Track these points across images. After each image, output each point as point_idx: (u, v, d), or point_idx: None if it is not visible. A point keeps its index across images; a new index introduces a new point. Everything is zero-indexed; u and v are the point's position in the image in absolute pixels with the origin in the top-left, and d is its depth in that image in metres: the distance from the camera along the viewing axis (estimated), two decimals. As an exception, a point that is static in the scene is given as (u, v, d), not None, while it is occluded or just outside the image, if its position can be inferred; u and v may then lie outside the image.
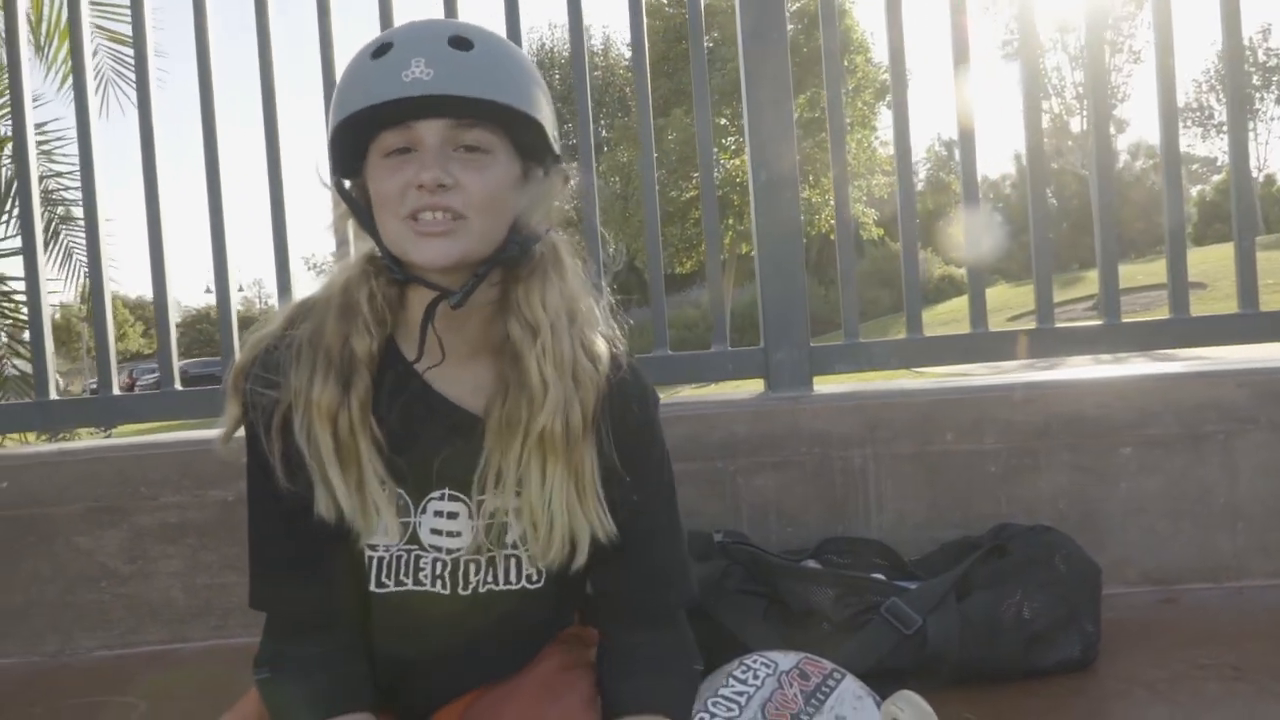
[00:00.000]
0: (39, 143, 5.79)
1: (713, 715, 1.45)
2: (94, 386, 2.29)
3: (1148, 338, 2.30)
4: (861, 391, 2.20)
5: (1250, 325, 2.27)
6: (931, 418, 2.11)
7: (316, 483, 1.16)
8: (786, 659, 1.52)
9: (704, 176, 2.35)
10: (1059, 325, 2.28)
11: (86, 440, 3.41)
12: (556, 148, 1.21)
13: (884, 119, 19.27)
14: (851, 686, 1.47)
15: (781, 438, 2.11)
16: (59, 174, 6.27)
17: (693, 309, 22.02)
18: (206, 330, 38.93)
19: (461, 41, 1.10)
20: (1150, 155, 43.48)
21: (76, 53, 2.30)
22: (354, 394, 1.16)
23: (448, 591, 1.24)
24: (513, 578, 1.25)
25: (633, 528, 1.24)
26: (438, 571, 1.23)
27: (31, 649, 2.12)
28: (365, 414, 1.16)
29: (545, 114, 1.17)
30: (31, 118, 2.32)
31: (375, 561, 1.23)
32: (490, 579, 1.24)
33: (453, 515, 1.23)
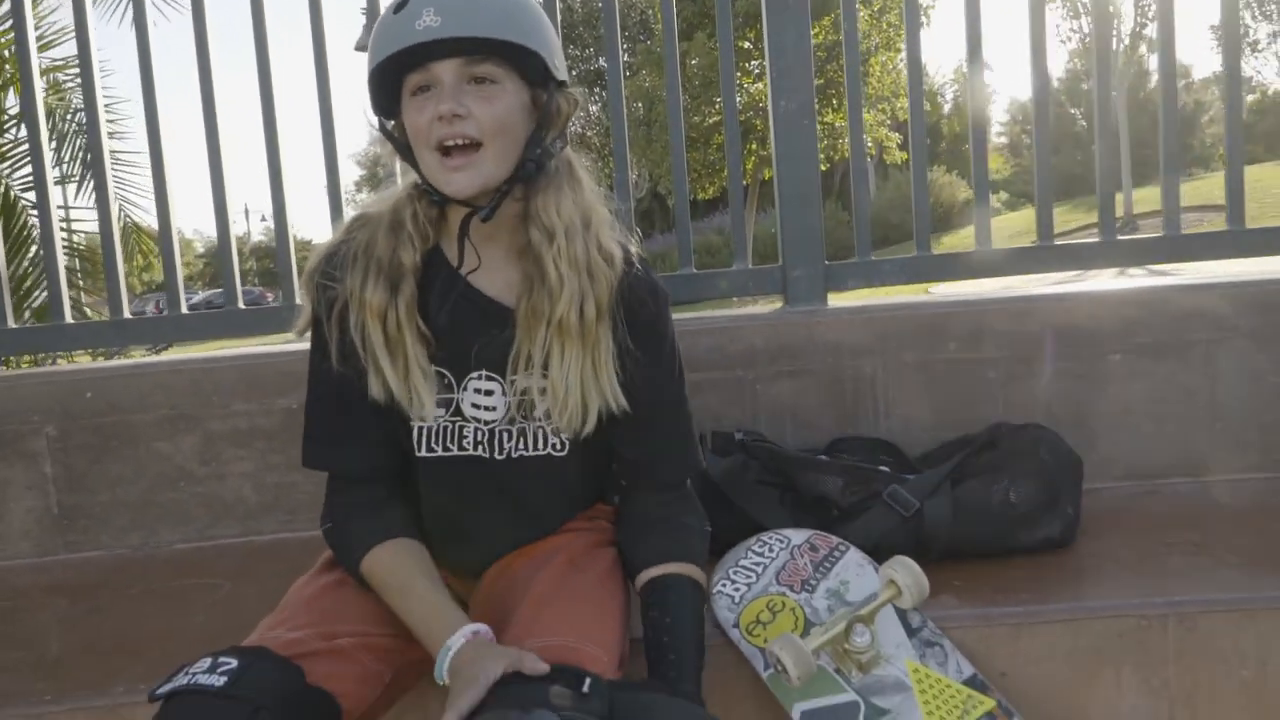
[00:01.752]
0: (74, 75, 5.96)
1: (734, 582, 1.67)
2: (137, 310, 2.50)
3: (1137, 255, 2.47)
4: (872, 306, 2.38)
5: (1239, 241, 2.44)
6: (936, 329, 2.28)
7: (370, 370, 1.38)
8: (798, 535, 1.73)
9: (726, 102, 2.51)
10: (1057, 243, 2.44)
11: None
12: (559, 75, 1.39)
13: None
14: (855, 557, 1.68)
15: (797, 348, 2.29)
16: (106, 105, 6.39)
17: (715, 235, 21.93)
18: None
19: None
20: (1184, 75, 42.72)
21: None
22: (401, 297, 1.38)
23: (487, 455, 1.46)
24: (540, 445, 1.47)
25: (646, 403, 1.45)
26: (478, 439, 1.45)
27: (118, 542, 2.36)
28: (411, 313, 1.39)
29: (544, 44, 1.35)
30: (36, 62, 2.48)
31: (423, 431, 1.45)
32: (522, 446, 1.46)
33: (489, 393, 1.44)
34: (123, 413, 2.33)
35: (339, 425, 1.46)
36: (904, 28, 2.53)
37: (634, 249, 1.48)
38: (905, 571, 1.53)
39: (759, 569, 1.68)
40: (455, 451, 1.46)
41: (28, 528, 2.33)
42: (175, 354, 2.93)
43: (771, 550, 1.72)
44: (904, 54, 2.54)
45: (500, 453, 1.46)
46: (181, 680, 1.21)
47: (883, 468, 1.97)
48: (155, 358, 2.88)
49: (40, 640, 1.84)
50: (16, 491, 2.32)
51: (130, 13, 2.49)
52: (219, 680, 1.19)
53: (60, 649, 1.79)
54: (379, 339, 1.38)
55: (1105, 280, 2.87)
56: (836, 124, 18.29)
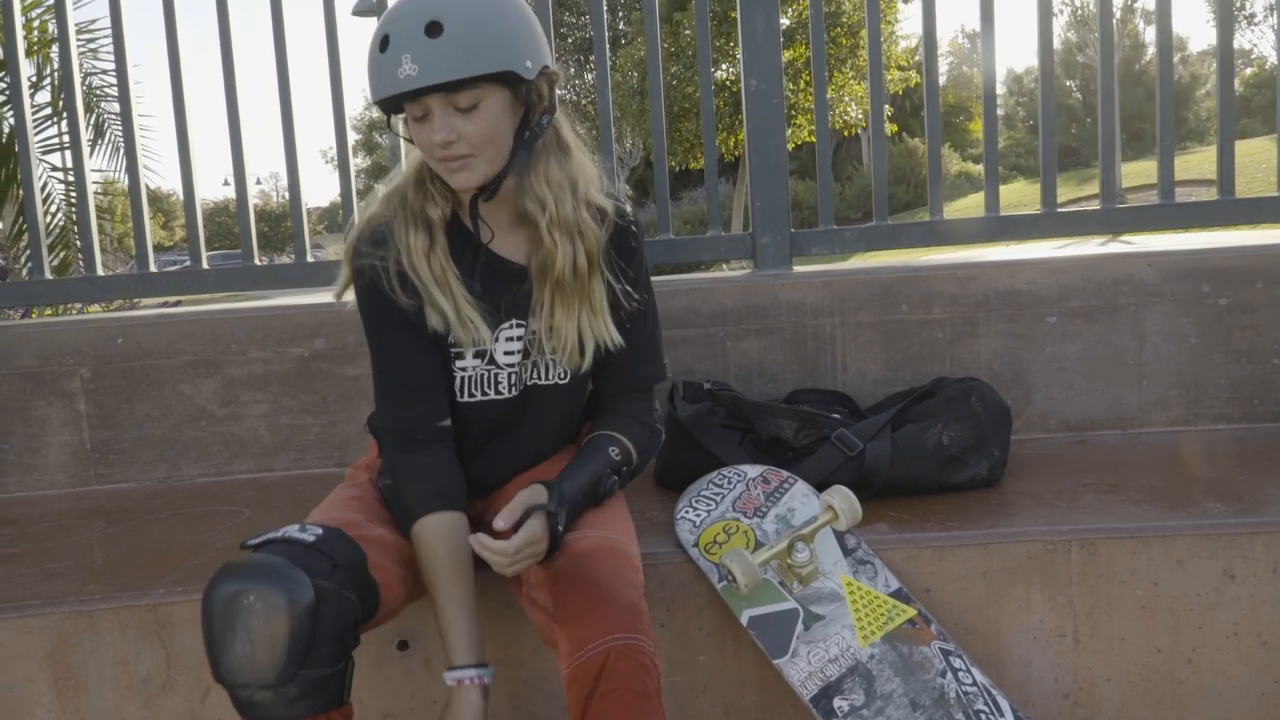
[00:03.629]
0: (88, 40, 6.12)
1: (695, 509, 1.91)
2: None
3: (1074, 225, 2.70)
4: (831, 270, 2.61)
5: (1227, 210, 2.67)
6: (889, 292, 2.51)
7: (426, 304, 1.62)
8: (754, 470, 1.98)
9: (703, 80, 2.72)
10: (1004, 214, 2.67)
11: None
12: (531, 75, 1.55)
13: (902, 13, 19.08)
14: (801, 488, 1.92)
15: (764, 308, 2.53)
16: (104, 71, 6.54)
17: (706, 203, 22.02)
18: (225, 223, 39.25)
19: (434, 27, 1.45)
20: (1180, 47, 42.69)
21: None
22: (437, 243, 1.62)
23: (512, 394, 1.71)
24: (550, 376, 1.72)
25: (628, 321, 1.72)
26: (512, 382, 1.70)
27: (145, 475, 2.59)
28: (448, 258, 1.63)
29: (511, 57, 1.50)
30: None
31: (464, 379, 1.69)
32: (536, 376, 1.72)
33: (515, 339, 1.69)
34: (150, 358, 2.56)
35: (408, 386, 1.66)
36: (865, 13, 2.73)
37: (622, 199, 1.74)
38: (841, 498, 1.77)
39: (718, 498, 1.92)
40: (493, 396, 1.70)
41: (64, 461, 2.57)
42: (193, 307, 3.14)
43: (730, 483, 1.96)
44: (867, 31, 2.75)
45: (520, 387, 1.72)
46: (275, 534, 1.45)
47: (835, 415, 2.20)
48: (175, 309, 3.10)
49: (85, 552, 2.08)
50: (54, 428, 2.56)
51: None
52: (309, 536, 1.45)
53: (104, 559, 2.03)
54: (427, 275, 1.61)
55: (1045, 248, 3.09)
56: (827, 96, 18.39)
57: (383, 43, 1.49)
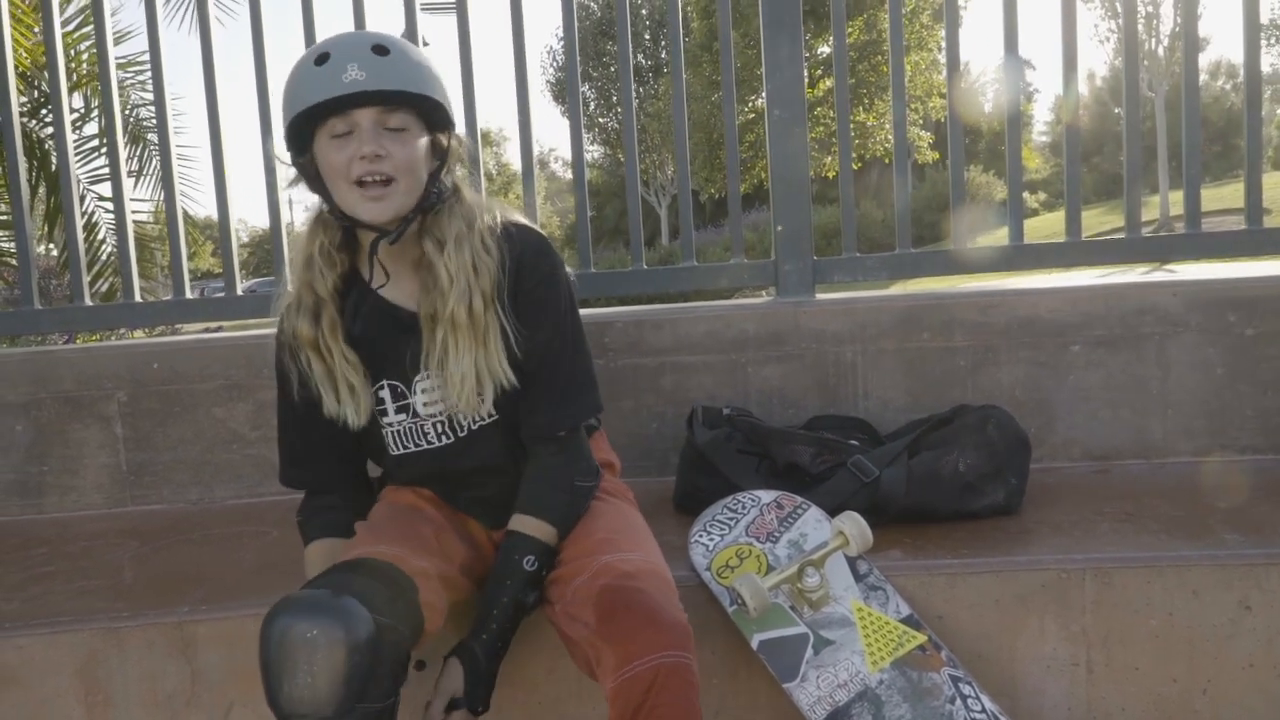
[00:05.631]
0: (136, 74, 6.29)
1: (709, 534, 1.93)
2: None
3: (1098, 254, 2.70)
4: (854, 298, 2.62)
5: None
6: (911, 319, 2.53)
7: (323, 392, 1.69)
8: (768, 495, 1.99)
9: (727, 117, 2.76)
10: (1027, 243, 2.67)
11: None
12: (455, 123, 1.68)
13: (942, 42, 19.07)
14: (814, 514, 1.93)
15: (785, 335, 2.55)
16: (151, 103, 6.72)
17: (749, 231, 22.07)
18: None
19: (381, 49, 1.56)
20: (1231, 74, 42.21)
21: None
22: (323, 323, 1.67)
23: (451, 440, 1.74)
24: (476, 418, 1.72)
25: (531, 363, 1.70)
26: (439, 430, 1.73)
27: (178, 497, 2.66)
28: (335, 334, 1.67)
29: (445, 96, 1.63)
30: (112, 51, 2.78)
31: (392, 434, 1.75)
32: (466, 420, 1.72)
33: (432, 389, 1.71)
34: (185, 382, 2.63)
35: (300, 450, 1.80)
36: (892, 32, 2.76)
37: (530, 233, 1.74)
38: (852, 524, 1.78)
39: (732, 523, 1.94)
40: (425, 446, 1.75)
41: (100, 482, 2.64)
42: (229, 333, 3.22)
43: (744, 507, 1.98)
44: (890, 60, 2.77)
45: (461, 431, 1.74)
46: (333, 569, 1.52)
47: (853, 441, 2.22)
48: (212, 335, 3.18)
49: (116, 571, 2.14)
50: (91, 450, 2.63)
51: (183, 17, 2.77)
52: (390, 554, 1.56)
53: (133, 578, 2.09)
54: (320, 369, 1.68)
55: (1067, 276, 3.09)
56: (868, 123, 18.44)
57: (320, 58, 1.55)
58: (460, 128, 1.77)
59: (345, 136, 1.57)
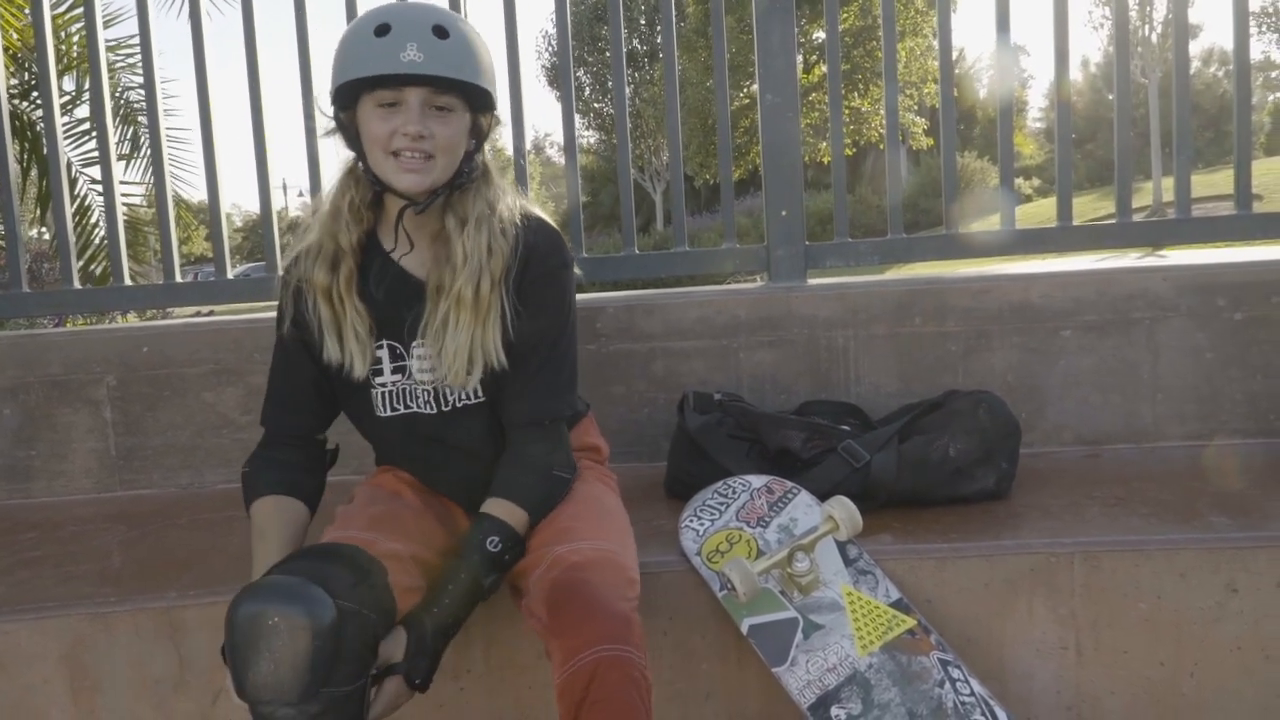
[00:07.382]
0: (126, 57, 6.25)
1: (699, 518, 1.93)
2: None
3: (1091, 240, 2.69)
4: (845, 283, 2.62)
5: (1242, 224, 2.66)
6: (903, 304, 2.52)
7: (326, 338, 1.70)
8: (759, 479, 1.99)
9: (720, 104, 2.75)
10: (1019, 228, 2.67)
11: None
12: (496, 104, 1.70)
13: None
14: (805, 498, 1.93)
15: (777, 320, 2.54)
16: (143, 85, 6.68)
17: (744, 217, 22.00)
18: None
19: (441, 30, 1.57)
20: (1224, 61, 42.18)
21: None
22: (340, 273, 1.69)
23: (434, 411, 1.75)
24: (469, 394, 1.73)
25: (523, 349, 1.71)
26: (425, 397, 1.74)
27: (168, 481, 2.65)
28: (350, 288, 1.69)
29: (492, 81, 1.65)
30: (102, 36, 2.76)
31: (381, 394, 1.75)
32: (464, 397, 1.74)
33: (427, 358, 1.72)
34: (174, 366, 2.62)
35: (283, 392, 1.81)
36: (883, 19, 2.75)
37: (545, 225, 1.76)
38: (841, 508, 1.78)
39: (722, 508, 1.94)
40: (416, 409, 1.75)
41: (89, 467, 2.63)
42: (220, 317, 3.21)
43: (734, 492, 1.98)
44: (883, 44, 2.76)
45: (446, 405, 1.75)
46: (297, 554, 1.52)
47: (844, 427, 2.22)
48: (203, 319, 3.17)
49: (104, 556, 2.13)
50: (80, 434, 2.62)
51: (176, 3, 2.75)
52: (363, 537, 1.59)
53: (121, 563, 2.08)
54: (327, 315, 1.70)
55: (1059, 262, 3.09)
56: (863, 109, 18.41)
57: (380, 29, 1.56)
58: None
59: (391, 107, 1.59)
